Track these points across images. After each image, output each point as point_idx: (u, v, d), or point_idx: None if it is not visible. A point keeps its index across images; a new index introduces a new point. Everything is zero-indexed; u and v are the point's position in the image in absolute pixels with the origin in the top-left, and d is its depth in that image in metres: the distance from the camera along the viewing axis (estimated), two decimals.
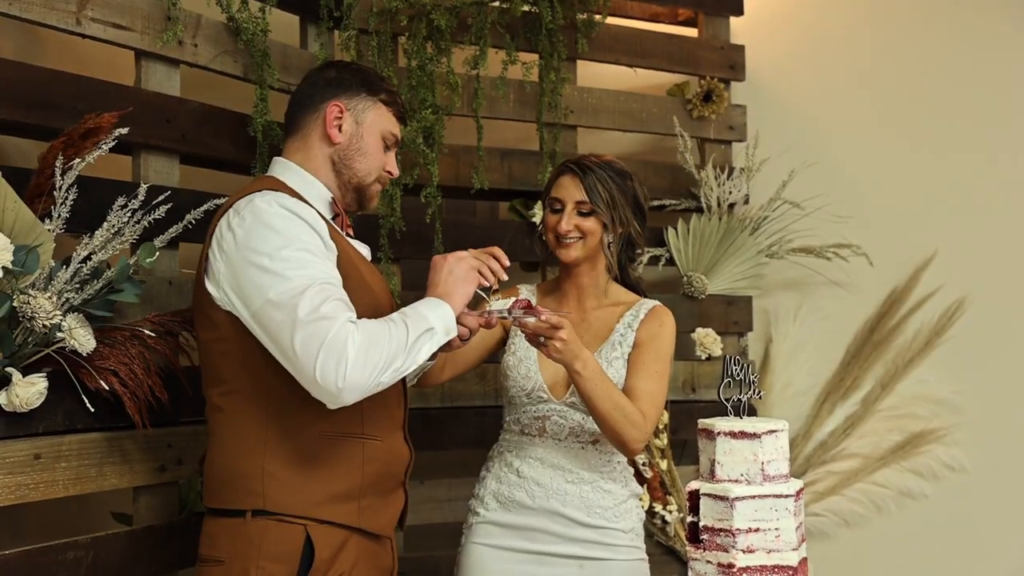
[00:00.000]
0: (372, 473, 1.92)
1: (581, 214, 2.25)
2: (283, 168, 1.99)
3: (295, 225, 1.82)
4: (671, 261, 3.14)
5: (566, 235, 2.25)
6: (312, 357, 1.71)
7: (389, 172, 2.07)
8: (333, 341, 1.71)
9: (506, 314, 2.03)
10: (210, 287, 1.85)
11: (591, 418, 2.20)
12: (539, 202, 2.96)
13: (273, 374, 1.82)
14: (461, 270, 1.94)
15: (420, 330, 1.82)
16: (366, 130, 2.01)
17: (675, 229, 3.13)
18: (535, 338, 2.08)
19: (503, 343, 2.39)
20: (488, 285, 1.98)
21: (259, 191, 1.87)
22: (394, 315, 1.85)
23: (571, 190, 2.25)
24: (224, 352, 1.87)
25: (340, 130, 1.98)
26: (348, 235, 2.02)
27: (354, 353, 1.72)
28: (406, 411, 2.03)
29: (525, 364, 2.27)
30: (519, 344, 2.29)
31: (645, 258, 3.07)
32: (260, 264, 1.77)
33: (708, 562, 1.86)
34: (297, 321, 1.72)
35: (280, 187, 1.91)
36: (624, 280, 2.38)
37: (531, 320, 2.04)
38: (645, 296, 2.38)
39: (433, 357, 1.99)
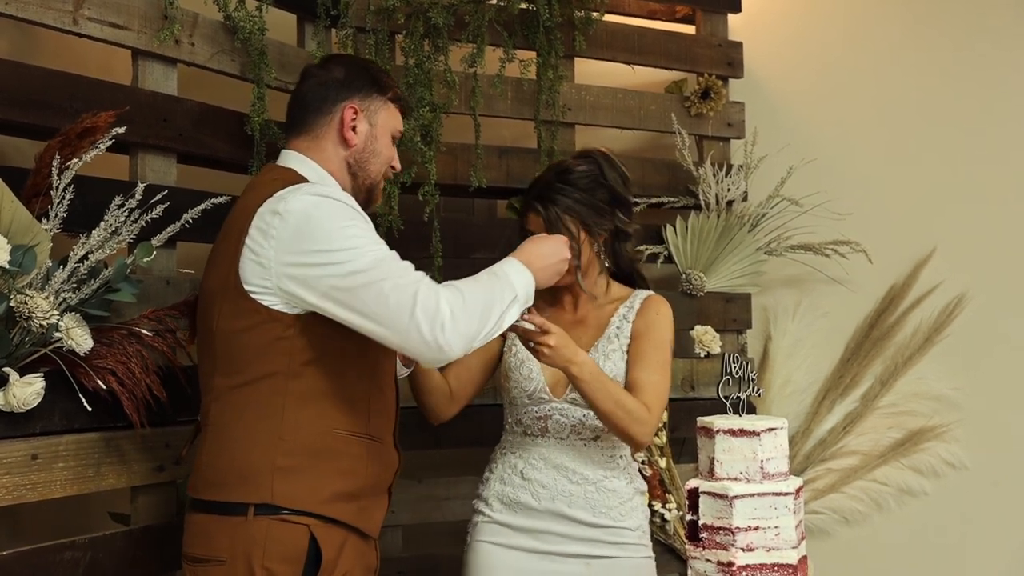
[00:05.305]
0: (372, 474, 1.92)
1: None
2: (300, 163, 1.96)
3: (351, 210, 1.84)
4: (670, 258, 3.13)
5: None
6: (406, 318, 1.74)
7: (393, 167, 2.08)
8: (427, 299, 1.74)
9: None
10: (250, 276, 1.81)
11: (591, 414, 2.20)
12: None
13: (296, 364, 1.82)
14: (558, 263, 2.04)
15: (507, 300, 1.87)
16: (379, 131, 2.02)
17: (673, 227, 3.12)
18: (526, 342, 2.09)
19: (500, 357, 2.37)
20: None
21: (294, 185, 1.85)
22: (481, 274, 1.88)
23: (537, 226, 2.23)
24: (247, 343, 1.83)
25: (355, 131, 1.98)
26: None
27: (451, 305, 1.76)
28: (398, 417, 2.04)
29: (527, 365, 2.27)
30: (520, 346, 2.27)
31: (645, 255, 3.07)
32: (330, 246, 1.77)
33: (708, 560, 1.86)
34: (384, 286, 1.75)
35: (303, 181, 1.90)
36: (619, 269, 2.35)
37: (519, 324, 2.02)
38: (645, 283, 2.37)
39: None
